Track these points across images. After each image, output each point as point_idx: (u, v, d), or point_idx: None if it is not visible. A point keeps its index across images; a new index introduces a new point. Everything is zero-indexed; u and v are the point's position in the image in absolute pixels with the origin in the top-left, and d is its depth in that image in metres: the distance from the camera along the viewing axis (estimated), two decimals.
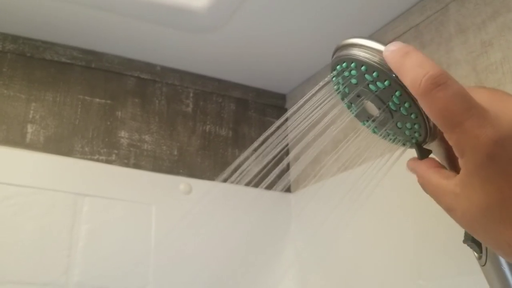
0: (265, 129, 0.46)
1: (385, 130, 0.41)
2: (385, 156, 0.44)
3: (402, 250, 0.83)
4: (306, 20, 0.94)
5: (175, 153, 1.07)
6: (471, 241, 0.42)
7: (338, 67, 0.40)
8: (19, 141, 0.93)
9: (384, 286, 0.86)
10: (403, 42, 0.36)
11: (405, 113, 0.38)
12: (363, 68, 0.38)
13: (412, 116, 0.38)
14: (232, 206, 1.04)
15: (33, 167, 0.93)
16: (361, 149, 0.46)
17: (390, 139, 0.42)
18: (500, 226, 0.32)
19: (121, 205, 0.96)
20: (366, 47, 0.38)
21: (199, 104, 1.13)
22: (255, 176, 0.48)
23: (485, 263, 0.42)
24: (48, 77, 1.00)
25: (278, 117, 1.22)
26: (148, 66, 1.10)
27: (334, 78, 0.41)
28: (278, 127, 0.45)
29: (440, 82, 0.33)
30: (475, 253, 0.43)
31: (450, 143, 0.34)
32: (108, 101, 1.04)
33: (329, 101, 0.43)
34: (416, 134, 0.40)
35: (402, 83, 0.36)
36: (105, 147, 1.01)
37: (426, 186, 0.38)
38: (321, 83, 0.42)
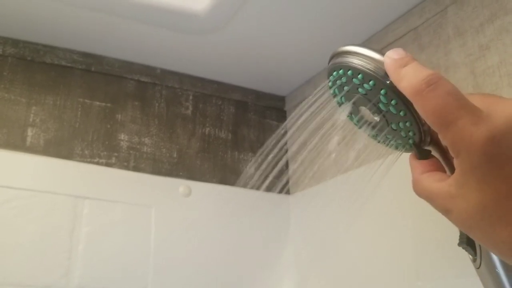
0: (264, 131, 0.46)
1: (384, 135, 0.41)
2: (383, 158, 0.44)
3: (401, 251, 0.83)
4: (305, 23, 0.94)
5: (175, 155, 1.08)
6: (466, 244, 0.42)
7: (334, 73, 0.41)
8: (19, 145, 0.94)
9: (383, 287, 0.86)
10: (401, 46, 0.36)
11: (397, 115, 0.39)
12: (359, 76, 0.38)
13: (407, 123, 0.38)
14: (232, 208, 1.05)
15: (33, 170, 0.93)
16: (360, 151, 0.46)
17: (388, 144, 0.43)
18: (497, 225, 0.32)
19: (121, 207, 0.97)
20: (362, 55, 0.38)
21: (199, 106, 1.14)
22: (255, 178, 0.48)
23: (480, 266, 0.42)
24: (49, 81, 1.00)
25: (277, 119, 1.24)
26: (148, 69, 1.10)
27: (330, 83, 0.42)
28: (277, 130, 0.46)
29: (432, 81, 0.33)
30: (470, 256, 0.43)
31: (445, 143, 0.34)
32: (108, 104, 1.04)
33: (327, 103, 0.43)
34: (411, 141, 0.40)
35: (398, 90, 0.36)
36: (105, 150, 1.01)
37: (419, 192, 0.38)
38: (319, 88, 0.42)
